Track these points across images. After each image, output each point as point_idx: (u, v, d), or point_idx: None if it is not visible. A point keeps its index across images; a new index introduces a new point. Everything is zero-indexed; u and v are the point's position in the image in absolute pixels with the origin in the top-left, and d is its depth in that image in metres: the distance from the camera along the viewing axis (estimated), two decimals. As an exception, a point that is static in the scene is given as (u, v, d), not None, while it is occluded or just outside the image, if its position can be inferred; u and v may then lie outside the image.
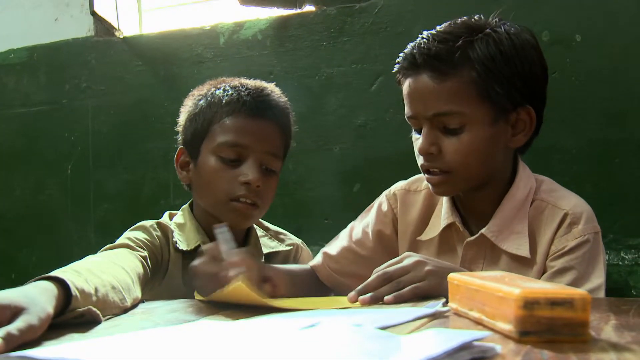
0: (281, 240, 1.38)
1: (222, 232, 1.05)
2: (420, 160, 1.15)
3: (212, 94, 1.27)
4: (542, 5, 1.67)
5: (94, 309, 0.83)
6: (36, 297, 0.75)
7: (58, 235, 2.23)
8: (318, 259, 1.35)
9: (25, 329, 0.68)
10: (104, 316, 0.85)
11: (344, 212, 1.82)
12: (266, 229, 1.41)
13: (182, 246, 1.23)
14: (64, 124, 2.24)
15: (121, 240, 1.18)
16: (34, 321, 0.70)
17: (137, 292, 1.02)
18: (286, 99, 1.32)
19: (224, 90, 1.26)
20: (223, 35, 2.04)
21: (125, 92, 2.16)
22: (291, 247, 1.38)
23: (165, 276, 1.22)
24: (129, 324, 0.85)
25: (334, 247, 1.35)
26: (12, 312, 0.70)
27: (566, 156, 1.63)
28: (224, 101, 1.24)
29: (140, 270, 1.10)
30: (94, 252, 1.12)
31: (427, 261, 1.03)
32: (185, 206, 1.33)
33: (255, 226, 1.36)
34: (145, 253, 1.16)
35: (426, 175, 1.15)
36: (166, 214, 1.34)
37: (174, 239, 1.24)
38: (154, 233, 1.23)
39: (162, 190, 2.10)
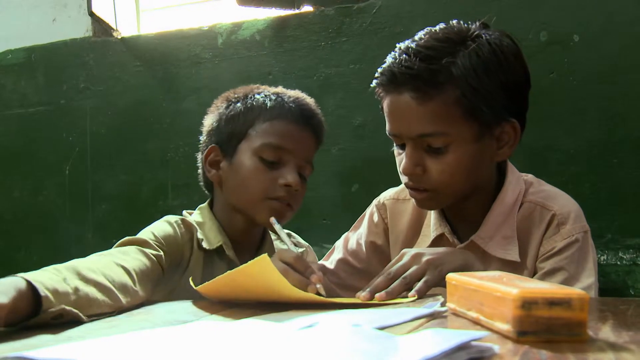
0: (292, 243, 1.38)
1: (275, 223, 1.17)
2: (404, 179, 1.13)
3: (252, 97, 1.29)
4: (540, 6, 1.68)
5: (69, 308, 0.82)
6: None
7: (56, 236, 2.23)
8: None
9: None
10: (89, 315, 0.85)
11: (342, 213, 1.82)
12: (276, 232, 1.39)
13: (206, 245, 1.24)
14: (62, 124, 2.24)
15: (143, 234, 1.17)
16: None
17: (139, 292, 1.01)
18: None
19: (266, 95, 1.28)
20: (221, 35, 2.04)
21: (123, 93, 2.16)
22: (303, 249, 1.39)
23: (185, 273, 1.22)
24: (127, 325, 0.85)
25: (331, 260, 1.35)
26: None
27: (564, 156, 1.63)
28: (268, 105, 1.26)
29: (148, 269, 1.08)
30: (92, 253, 1.11)
31: (423, 252, 1.03)
32: (204, 205, 1.32)
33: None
34: (160, 252, 1.15)
35: (410, 191, 1.14)
36: (185, 212, 1.34)
37: (199, 237, 1.25)
38: (178, 230, 1.23)
39: (160, 191, 2.10)
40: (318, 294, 1.01)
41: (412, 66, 1.04)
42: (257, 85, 1.34)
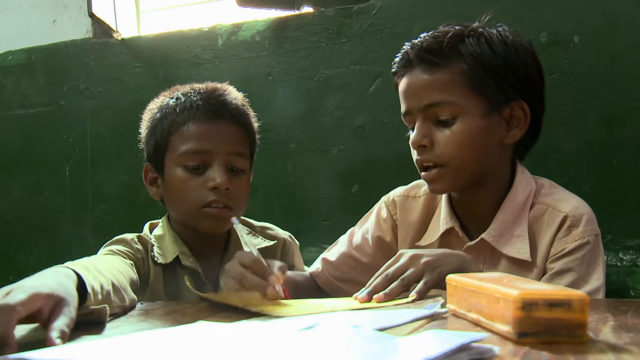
0: (266, 236, 1.36)
1: (236, 223, 1.12)
2: (415, 155, 1.15)
3: (166, 104, 1.25)
4: (540, 7, 1.67)
5: (107, 307, 0.83)
6: (68, 286, 0.77)
7: (56, 237, 2.23)
8: (317, 265, 1.35)
9: (70, 324, 0.71)
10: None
11: (342, 214, 1.82)
12: (250, 226, 1.37)
13: (160, 260, 1.22)
14: (62, 125, 2.24)
15: (103, 252, 1.16)
16: (74, 313, 0.73)
17: (132, 294, 1.02)
18: (242, 96, 1.30)
19: (177, 98, 1.24)
20: (221, 36, 2.04)
21: (123, 94, 2.16)
22: (274, 242, 1.35)
23: (147, 290, 1.21)
24: (126, 326, 0.85)
25: (333, 253, 1.35)
26: (55, 301, 0.72)
27: (565, 157, 1.63)
28: (177, 110, 1.22)
29: (133, 275, 1.09)
30: (92, 254, 1.12)
31: (421, 253, 1.03)
32: (164, 217, 1.31)
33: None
34: (132, 262, 1.15)
35: (422, 173, 1.16)
36: (147, 225, 1.32)
37: (152, 253, 1.23)
38: (135, 246, 1.22)
39: (161, 191, 2.09)
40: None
41: (422, 43, 1.13)
42: (176, 86, 1.30)
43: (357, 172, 1.86)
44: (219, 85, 1.29)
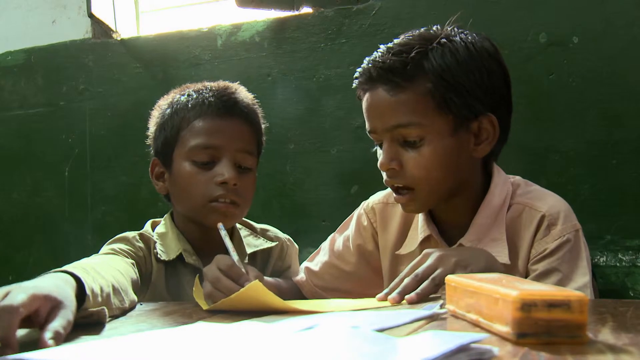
0: (267, 237, 1.37)
1: (222, 229, 1.10)
2: (384, 176, 1.13)
3: (177, 100, 1.26)
4: (540, 7, 1.68)
5: (105, 309, 0.84)
6: (65, 290, 0.77)
7: (55, 237, 2.23)
8: (301, 274, 1.34)
9: (67, 326, 0.71)
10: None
11: (341, 214, 1.81)
12: (251, 227, 1.39)
13: (164, 257, 1.22)
14: (62, 126, 2.24)
15: (104, 251, 1.17)
16: (71, 317, 0.73)
17: (133, 295, 1.02)
18: (252, 96, 1.31)
19: (188, 95, 1.26)
20: (220, 37, 2.04)
21: (122, 94, 2.16)
22: (276, 242, 1.37)
23: (149, 287, 1.21)
24: (126, 326, 0.85)
25: (316, 262, 1.34)
26: (52, 304, 0.72)
27: (564, 157, 1.63)
28: (189, 105, 1.24)
29: (134, 275, 1.10)
30: (91, 254, 1.12)
31: (449, 253, 1.01)
32: (167, 215, 1.32)
33: (239, 226, 1.35)
34: (133, 261, 1.16)
35: (394, 195, 1.14)
36: (149, 222, 1.32)
37: (155, 250, 1.23)
38: (137, 244, 1.22)
39: (160, 192, 2.09)
40: None
41: (385, 60, 1.08)
42: (186, 84, 1.31)
43: (356, 173, 1.86)
44: (230, 83, 1.30)
